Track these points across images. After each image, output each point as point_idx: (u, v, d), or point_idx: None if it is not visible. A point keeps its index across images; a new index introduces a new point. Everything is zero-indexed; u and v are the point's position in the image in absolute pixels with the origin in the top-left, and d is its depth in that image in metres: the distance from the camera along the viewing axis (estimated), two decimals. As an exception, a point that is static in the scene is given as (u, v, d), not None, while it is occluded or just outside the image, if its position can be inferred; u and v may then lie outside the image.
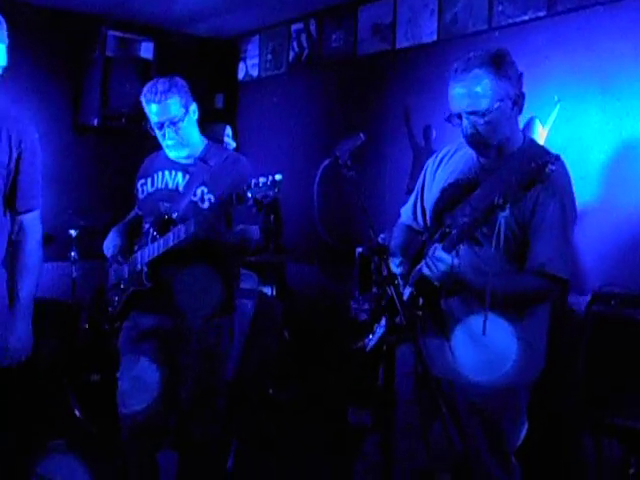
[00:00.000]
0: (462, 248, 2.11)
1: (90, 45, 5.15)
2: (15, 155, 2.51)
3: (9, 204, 2.57)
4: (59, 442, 3.86)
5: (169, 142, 2.88)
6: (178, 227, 2.68)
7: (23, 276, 2.57)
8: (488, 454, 2.31)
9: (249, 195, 2.40)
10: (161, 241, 2.74)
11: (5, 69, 2.46)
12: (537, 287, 2.22)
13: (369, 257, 2.12)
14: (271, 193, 2.39)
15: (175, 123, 2.83)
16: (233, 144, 5.12)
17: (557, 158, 1.99)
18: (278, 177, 2.38)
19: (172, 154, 2.92)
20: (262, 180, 2.39)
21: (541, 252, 2.17)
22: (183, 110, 2.84)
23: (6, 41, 2.48)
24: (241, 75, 6.00)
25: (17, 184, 2.55)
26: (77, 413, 4.15)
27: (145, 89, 2.86)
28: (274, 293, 4.86)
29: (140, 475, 2.99)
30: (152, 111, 2.85)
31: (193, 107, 2.90)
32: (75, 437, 3.93)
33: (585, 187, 3.46)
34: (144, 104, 2.87)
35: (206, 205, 2.81)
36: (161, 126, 2.85)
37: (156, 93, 2.81)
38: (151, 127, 2.89)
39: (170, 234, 2.72)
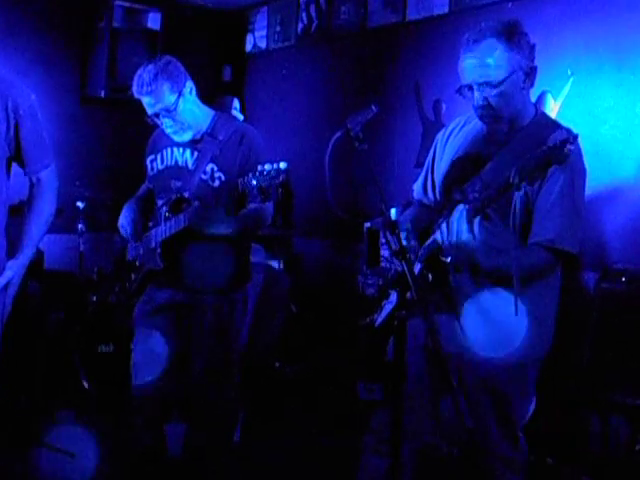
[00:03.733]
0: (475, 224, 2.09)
1: (97, 16, 5.10)
2: (13, 122, 2.50)
3: (21, 167, 2.59)
4: (67, 413, 3.89)
5: (169, 130, 2.83)
6: (180, 215, 2.69)
7: (34, 223, 2.60)
8: (496, 430, 2.31)
9: (254, 183, 2.37)
10: (172, 222, 2.74)
11: None
12: (546, 261, 2.20)
13: (379, 231, 2.09)
14: (276, 182, 2.36)
15: (170, 111, 2.75)
16: (240, 117, 5.09)
17: (575, 137, 1.95)
18: (283, 165, 2.35)
19: (176, 139, 2.87)
20: (267, 168, 2.36)
21: (550, 226, 2.14)
22: (175, 95, 2.74)
23: None
24: (249, 47, 5.94)
25: (24, 150, 2.55)
26: (85, 384, 4.18)
27: (133, 80, 2.77)
28: (281, 266, 4.86)
29: (147, 445, 3.02)
30: (144, 103, 2.78)
31: (188, 87, 2.80)
32: (83, 408, 3.96)
33: (597, 162, 3.42)
34: (136, 96, 2.79)
35: (216, 184, 2.79)
36: (157, 116, 2.79)
37: (142, 85, 2.72)
38: (150, 117, 2.82)
39: (174, 220, 2.72)
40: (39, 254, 4.30)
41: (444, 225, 2.07)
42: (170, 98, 2.73)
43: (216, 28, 5.88)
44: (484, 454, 2.34)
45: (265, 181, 2.36)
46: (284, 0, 5.54)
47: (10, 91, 2.49)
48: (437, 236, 2.13)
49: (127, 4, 5.14)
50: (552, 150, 1.90)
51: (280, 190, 2.37)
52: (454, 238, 2.04)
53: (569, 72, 3.65)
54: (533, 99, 2.88)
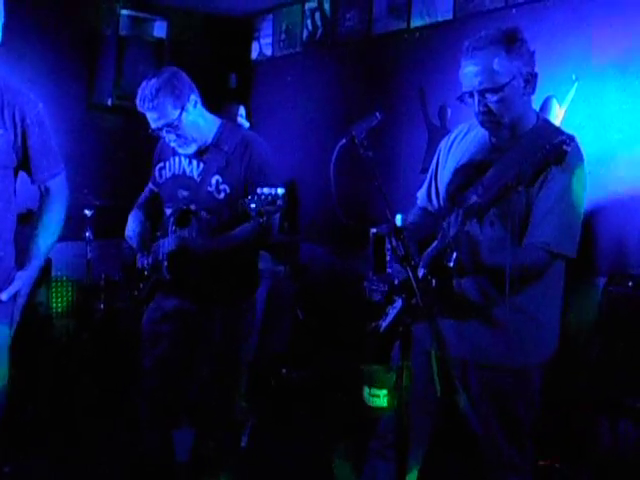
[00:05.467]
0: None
1: (103, 24, 5.14)
2: (20, 131, 2.48)
3: (29, 175, 2.59)
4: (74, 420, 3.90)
5: (173, 144, 2.82)
6: (180, 232, 2.72)
7: (42, 233, 2.60)
8: (501, 435, 2.32)
9: (252, 206, 2.36)
10: (174, 237, 2.75)
11: None
12: (541, 260, 2.20)
13: (385, 237, 2.10)
14: (272, 208, 2.36)
15: (173, 126, 2.72)
16: (247, 124, 5.11)
17: (572, 139, 1.97)
18: (280, 191, 2.35)
19: (181, 151, 2.86)
20: (265, 192, 2.34)
21: (548, 229, 2.16)
22: (178, 110, 2.70)
23: (2, 19, 2.44)
24: (255, 54, 5.97)
25: (31, 159, 2.54)
26: (93, 391, 4.20)
27: (137, 94, 2.75)
28: (287, 273, 4.87)
29: (156, 451, 3.03)
30: (147, 117, 2.76)
31: (192, 101, 2.75)
32: (90, 414, 3.97)
33: (602, 167, 3.42)
34: (139, 110, 2.77)
35: (221, 196, 2.80)
36: (160, 130, 2.77)
37: (144, 100, 2.69)
38: (154, 131, 2.81)
39: (175, 236, 2.74)
40: (47, 261, 4.32)
41: (449, 221, 2.09)
42: (173, 113, 2.70)
43: (222, 36, 5.91)
44: (490, 459, 2.34)
45: (263, 205, 2.36)
46: (289, 7, 5.56)
47: (17, 100, 2.47)
48: (442, 235, 2.14)
49: (133, 13, 5.18)
50: (549, 150, 1.93)
51: (282, 206, 2.37)
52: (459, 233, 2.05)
53: (574, 77, 3.65)
54: (538, 105, 2.90)
